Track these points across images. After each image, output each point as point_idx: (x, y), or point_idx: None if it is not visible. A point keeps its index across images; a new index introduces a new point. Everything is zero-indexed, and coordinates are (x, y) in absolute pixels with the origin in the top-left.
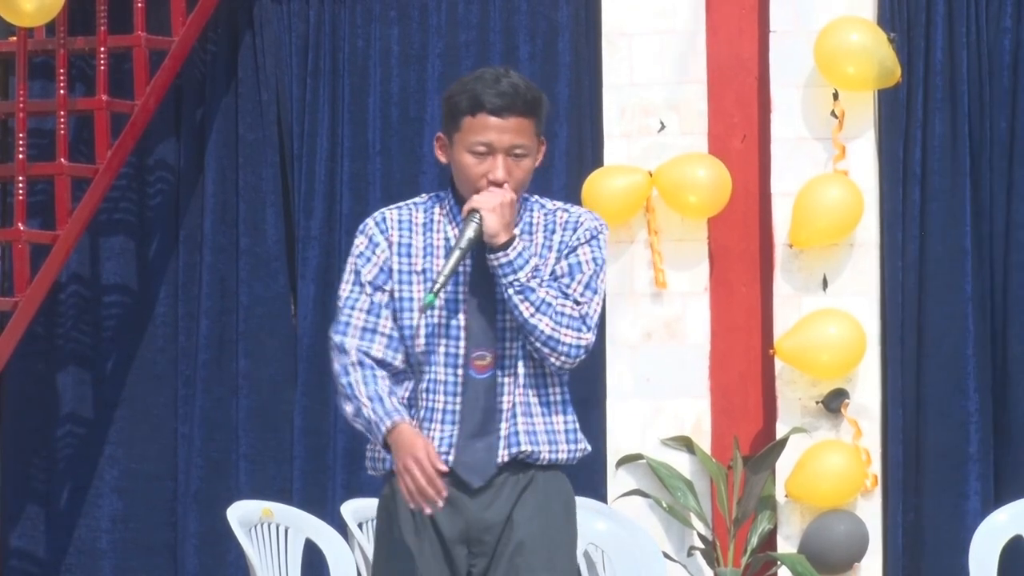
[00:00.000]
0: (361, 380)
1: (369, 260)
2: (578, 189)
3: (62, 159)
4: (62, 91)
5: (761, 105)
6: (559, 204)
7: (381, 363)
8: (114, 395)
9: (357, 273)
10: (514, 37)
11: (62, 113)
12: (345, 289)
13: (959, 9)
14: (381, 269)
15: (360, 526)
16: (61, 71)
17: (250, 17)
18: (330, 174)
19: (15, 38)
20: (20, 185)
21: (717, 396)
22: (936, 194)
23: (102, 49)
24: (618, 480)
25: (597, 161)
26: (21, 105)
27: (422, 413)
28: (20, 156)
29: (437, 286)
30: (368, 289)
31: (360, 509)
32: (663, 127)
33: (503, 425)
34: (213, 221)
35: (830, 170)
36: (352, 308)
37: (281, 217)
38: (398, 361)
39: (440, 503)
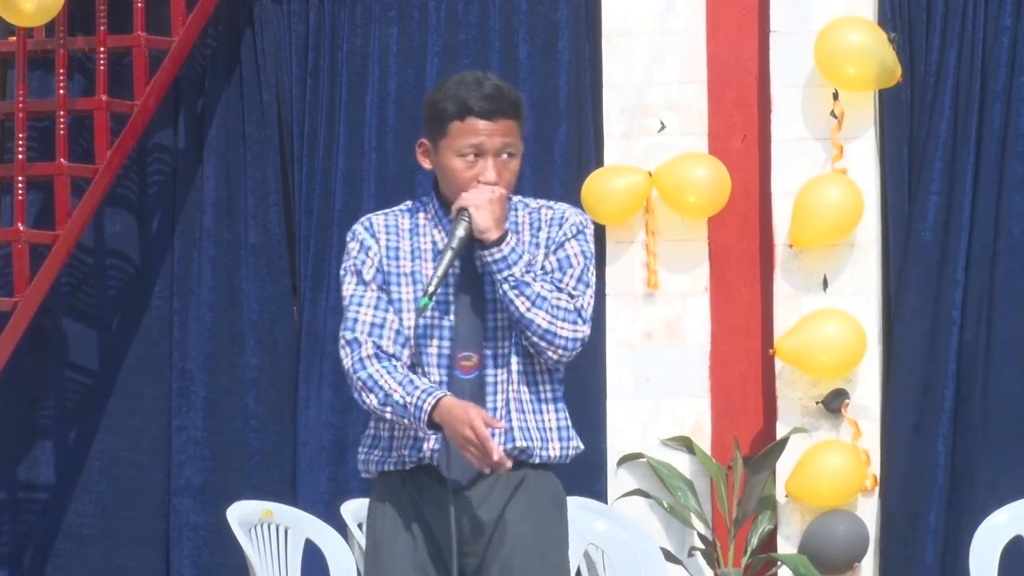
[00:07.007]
0: (383, 370)
1: (365, 262)
2: (578, 189)
3: (62, 159)
4: (62, 91)
5: (761, 105)
6: (542, 202)
7: (392, 357)
8: (108, 384)
9: (358, 273)
10: (514, 36)
11: (62, 113)
12: (348, 288)
13: (958, 8)
14: (378, 270)
15: (360, 526)
16: (61, 71)
17: (250, 16)
18: (326, 171)
19: (15, 38)
20: (20, 185)
21: (717, 396)
22: (936, 193)
23: (102, 49)
24: (618, 480)
25: (597, 161)
26: (21, 105)
27: None
28: (20, 156)
29: (431, 287)
30: (372, 287)
31: (360, 509)
32: (663, 127)
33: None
34: (216, 216)
35: (830, 170)
36: (359, 305)
37: (283, 215)
38: (405, 356)
39: (509, 463)
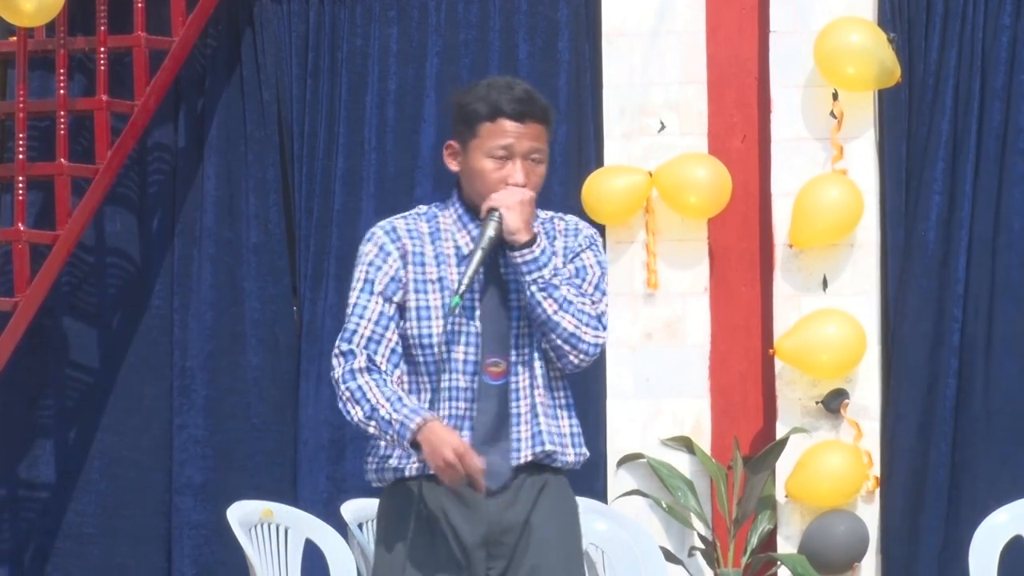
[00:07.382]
0: (373, 383)
1: (380, 269)
2: (578, 189)
3: (62, 159)
4: (62, 91)
5: (761, 105)
6: (551, 213)
7: (384, 373)
8: (108, 383)
9: (369, 282)
10: (513, 36)
11: (62, 113)
12: (354, 295)
13: (958, 8)
14: (392, 279)
15: (360, 526)
16: (61, 71)
17: (250, 16)
18: (326, 171)
19: (15, 38)
20: (20, 185)
21: (717, 396)
22: (939, 193)
23: (102, 49)
24: (618, 480)
25: (597, 161)
26: (21, 105)
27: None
28: (20, 156)
29: (462, 287)
30: (379, 299)
31: (360, 509)
32: (663, 127)
33: (521, 428)
34: (217, 215)
35: (830, 170)
36: (360, 317)
37: (283, 215)
38: (397, 375)
39: (483, 487)
